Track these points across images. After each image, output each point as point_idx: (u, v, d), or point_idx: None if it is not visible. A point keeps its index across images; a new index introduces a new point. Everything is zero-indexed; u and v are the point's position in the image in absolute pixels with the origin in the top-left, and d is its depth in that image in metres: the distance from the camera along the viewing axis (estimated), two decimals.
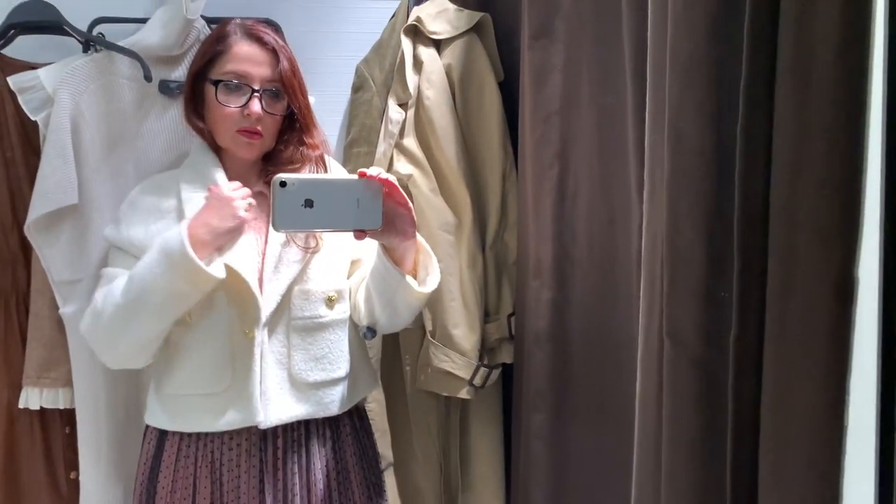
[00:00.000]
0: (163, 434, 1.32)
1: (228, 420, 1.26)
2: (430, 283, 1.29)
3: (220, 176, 1.32)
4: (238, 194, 1.23)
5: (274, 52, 1.31)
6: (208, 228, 1.21)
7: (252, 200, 1.25)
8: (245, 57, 1.30)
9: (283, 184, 1.10)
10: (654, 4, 0.96)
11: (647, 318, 1.02)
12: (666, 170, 0.93)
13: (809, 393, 0.77)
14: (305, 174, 1.28)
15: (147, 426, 1.36)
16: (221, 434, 1.28)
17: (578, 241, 1.36)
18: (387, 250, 1.24)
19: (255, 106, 1.28)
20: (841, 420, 0.76)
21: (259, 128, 1.29)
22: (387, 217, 1.16)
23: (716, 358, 0.88)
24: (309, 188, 1.11)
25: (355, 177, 1.15)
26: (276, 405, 1.28)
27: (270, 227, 1.30)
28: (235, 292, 1.27)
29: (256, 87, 1.29)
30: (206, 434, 1.29)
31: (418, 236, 1.27)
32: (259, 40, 1.31)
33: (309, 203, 1.10)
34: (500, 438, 1.68)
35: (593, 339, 1.34)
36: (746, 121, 0.80)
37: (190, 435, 1.30)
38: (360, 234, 1.17)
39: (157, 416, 1.32)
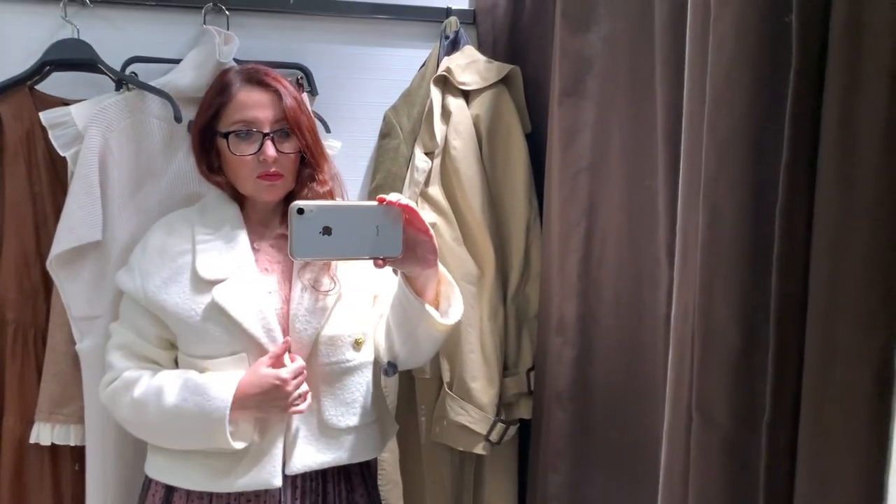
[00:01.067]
0: (170, 490, 1.28)
1: (245, 482, 1.24)
2: (453, 314, 1.26)
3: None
4: (296, 383, 1.22)
5: (277, 93, 1.30)
6: (257, 409, 1.22)
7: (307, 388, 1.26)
8: (250, 103, 1.29)
9: (300, 211, 1.07)
10: (691, 76, 0.95)
11: (675, 388, 0.99)
12: (700, 242, 0.91)
13: (845, 486, 0.74)
14: (323, 201, 1.26)
15: (150, 479, 1.32)
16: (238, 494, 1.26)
17: (604, 300, 1.34)
18: (408, 280, 1.21)
19: (269, 149, 1.27)
20: None
21: (276, 169, 1.29)
22: (407, 244, 1.13)
23: (748, 439, 0.86)
24: (327, 215, 1.08)
25: (374, 203, 1.11)
26: (304, 453, 1.26)
27: (294, 273, 1.30)
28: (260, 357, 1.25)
29: (266, 131, 1.28)
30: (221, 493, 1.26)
31: (441, 267, 1.24)
32: (260, 83, 1.31)
33: (327, 230, 1.08)
34: (515, 496, 1.65)
35: (616, 401, 1.31)
36: (786, 201, 0.79)
37: (201, 494, 1.26)
38: (379, 262, 1.13)
39: (163, 471, 1.29)
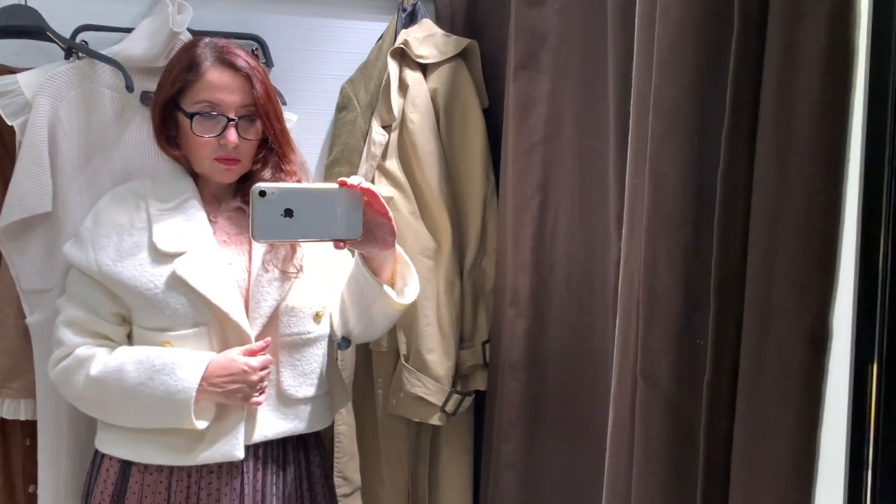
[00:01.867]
0: (126, 464, 1.27)
1: (208, 455, 1.24)
2: (409, 293, 1.27)
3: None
4: (261, 375, 1.24)
5: (247, 78, 1.27)
6: (221, 395, 1.22)
7: (267, 383, 1.27)
8: (218, 85, 1.26)
9: (262, 193, 1.07)
10: (640, 46, 0.97)
11: (622, 355, 1.02)
12: (645, 210, 0.93)
13: (780, 442, 0.77)
14: (285, 183, 1.26)
15: (102, 454, 1.30)
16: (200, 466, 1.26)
17: (556, 272, 1.36)
18: (365, 260, 1.22)
19: (232, 135, 1.25)
20: (810, 470, 0.76)
21: (235, 155, 1.27)
22: (367, 226, 1.14)
23: (689, 400, 0.88)
24: (289, 197, 1.09)
25: (335, 186, 1.12)
26: (263, 422, 1.27)
27: (253, 245, 1.30)
28: (223, 330, 1.25)
29: (232, 116, 1.25)
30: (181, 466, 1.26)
31: (398, 247, 1.25)
32: (231, 66, 1.27)
33: (289, 213, 1.08)
34: (470, 466, 1.67)
35: (567, 371, 1.34)
36: (727, 169, 0.81)
37: (161, 467, 1.26)
38: (340, 244, 1.14)
39: (117, 446, 1.27)
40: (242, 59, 1.29)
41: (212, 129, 1.26)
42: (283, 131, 1.32)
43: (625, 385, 1.00)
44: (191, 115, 1.26)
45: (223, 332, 1.25)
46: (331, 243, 1.15)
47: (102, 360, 1.23)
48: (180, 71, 1.28)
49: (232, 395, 1.22)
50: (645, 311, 0.92)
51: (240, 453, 1.24)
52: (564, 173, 1.34)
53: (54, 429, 1.46)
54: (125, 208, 1.31)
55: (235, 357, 1.22)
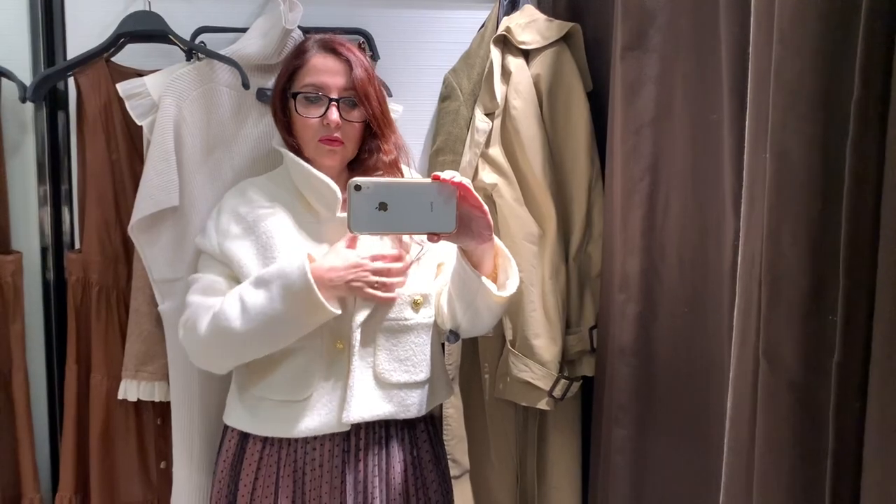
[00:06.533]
0: (244, 436, 1.36)
1: (309, 426, 1.30)
2: (510, 286, 1.29)
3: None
4: (375, 267, 1.28)
5: (348, 62, 1.35)
6: (334, 282, 1.26)
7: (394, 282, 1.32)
8: (321, 68, 1.35)
9: (357, 187, 1.12)
10: (758, 20, 0.94)
11: (742, 337, 0.99)
12: (767, 187, 0.91)
13: None
14: (380, 178, 1.30)
15: (227, 426, 1.40)
16: (305, 437, 1.32)
17: (667, 255, 1.34)
18: (465, 254, 1.25)
19: (333, 114, 1.33)
20: None
21: (338, 135, 1.34)
22: (462, 220, 1.17)
23: (816, 381, 0.85)
24: (383, 191, 1.13)
25: (429, 180, 1.15)
26: (360, 403, 1.31)
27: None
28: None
29: (333, 97, 1.33)
30: (289, 438, 1.32)
31: (497, 240, 1.27)
32: (334, 51, 1.36)
33: (383, 206, 1.12)
34: (578, 450, 1.67)
35: (680, 355, 1.31)
36: (857, 137, 0.78)
37: (272, 439, 1.33)
38: (433, 237, 1.17)
39: (238, 418, 1.36)
40: (346, 47, 1.37)
41: (316, 110, 1.34)
42: (385, 112, 1.38)
43: (745, 368, 0.97)
44: (294, 95, 1.35)
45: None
46: (426, 236, 1.18)
47: (221, 299, 1.31)
48: (289, 60, 1.40)
49: (353, 284, 1.27)
50: (768, 290, 0.90)
51: (339, 426, 1.29)
52: (675, 154, 1.31)
53: (187, 409, 1.55)
54: (244, 199, 1.40)
55: (341, 247, 1.30)
